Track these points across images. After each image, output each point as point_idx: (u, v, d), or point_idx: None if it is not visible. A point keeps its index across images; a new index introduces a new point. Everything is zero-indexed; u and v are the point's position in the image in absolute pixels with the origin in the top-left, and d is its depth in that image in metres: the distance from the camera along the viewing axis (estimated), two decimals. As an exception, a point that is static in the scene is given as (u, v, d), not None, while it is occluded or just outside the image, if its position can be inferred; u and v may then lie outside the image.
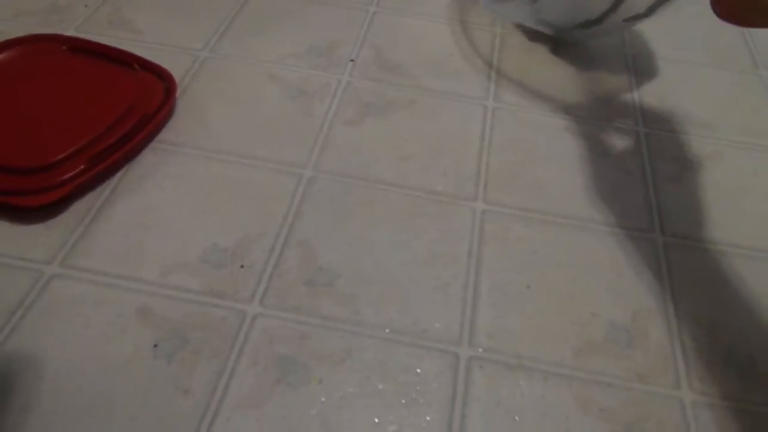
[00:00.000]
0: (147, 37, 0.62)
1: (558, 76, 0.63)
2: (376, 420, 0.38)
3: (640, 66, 0.66)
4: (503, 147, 0.55)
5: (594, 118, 0.59)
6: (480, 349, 0.41)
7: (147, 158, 0.51)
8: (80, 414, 0.37)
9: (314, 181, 0.51)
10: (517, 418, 0.39)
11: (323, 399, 0.39)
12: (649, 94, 0.63)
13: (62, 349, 0.39)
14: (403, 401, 0.39)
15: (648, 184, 0.54)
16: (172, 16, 0.65)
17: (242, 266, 0.44)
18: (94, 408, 0.37)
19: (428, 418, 0.38)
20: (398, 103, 0.58)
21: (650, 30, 0.69)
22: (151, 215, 0.47)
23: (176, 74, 0.57)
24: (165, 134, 0.53)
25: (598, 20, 0.60)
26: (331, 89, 0.59)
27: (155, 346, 0.40)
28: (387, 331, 0.42)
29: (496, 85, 0.61)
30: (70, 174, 0.46)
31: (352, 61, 0.62)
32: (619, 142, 0.57)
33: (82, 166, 0.47)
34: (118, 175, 0.50)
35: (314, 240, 0.47)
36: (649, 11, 0.58)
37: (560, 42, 0.66)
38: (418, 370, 0.40)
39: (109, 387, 0.38)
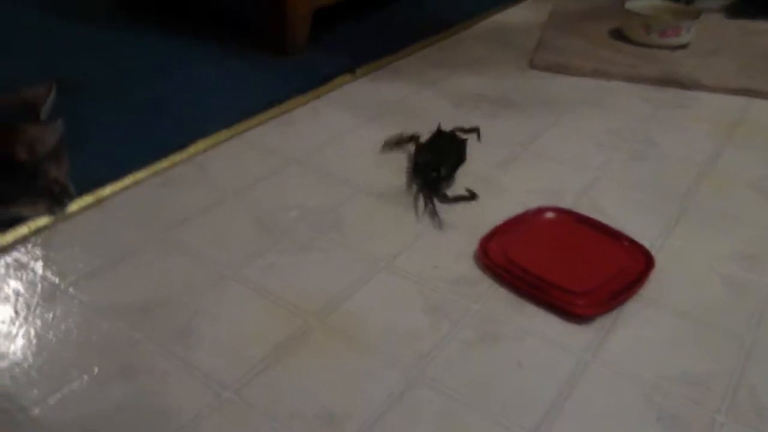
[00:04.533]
0: (617, 223, 0.93)
1: None
2: None
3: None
4: None
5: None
6: None
7: (631, 305, 0.80)
8: None
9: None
10: None
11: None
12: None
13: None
14: None
15: None
16: (634, 210, 0.97)
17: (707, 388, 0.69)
18: None
19: None
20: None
21: None
22: (642, 343, 0.75)
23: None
24: (644, 291, 0.82)
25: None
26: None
27: (658, 419, 0.65)
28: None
29: None
30: (601, 300, 0.77)
31: None
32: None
33: (605, 298, 0.77)
34: (616, 310, 0.79)
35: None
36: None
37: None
38: None
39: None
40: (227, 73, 1.38)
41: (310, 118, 1.21)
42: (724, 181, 1.06)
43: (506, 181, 1.05)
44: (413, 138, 1.11)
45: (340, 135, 1.16)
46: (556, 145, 1.15)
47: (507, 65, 1.46)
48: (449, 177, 1.03)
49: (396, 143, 1.12)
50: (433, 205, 0.96)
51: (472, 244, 0.88)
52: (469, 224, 0.92)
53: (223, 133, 1.12)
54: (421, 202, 0.97)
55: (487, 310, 0.79)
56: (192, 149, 1.07)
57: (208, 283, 0.82)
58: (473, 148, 1.12)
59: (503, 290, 0.82)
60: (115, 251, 0.86)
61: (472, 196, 0.99)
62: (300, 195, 0.99)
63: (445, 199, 0.98)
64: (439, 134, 1.13)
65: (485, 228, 0.90)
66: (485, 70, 1.43)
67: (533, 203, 0.96)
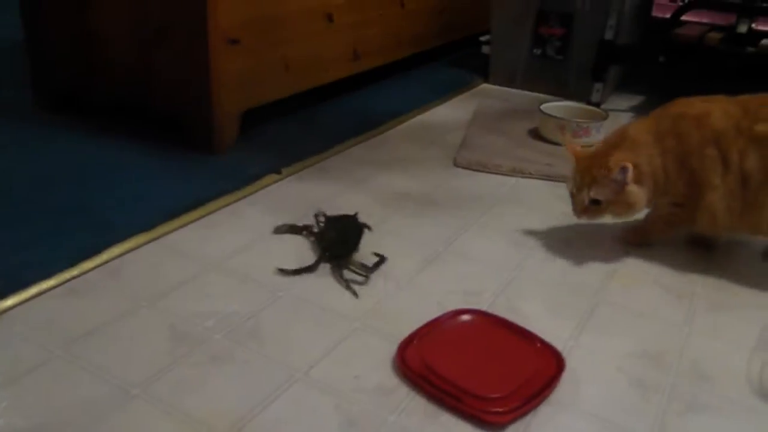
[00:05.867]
0: (532, 323, 0.95)
1: None
2: None
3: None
4: None
5: None
6: None
7: (544, 409, 0.80)
8: None
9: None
10: None
11: None
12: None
13: None
14: None
15: None
16: (548, 309, 0.99)
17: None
18: None
19: None
20: None
21: None
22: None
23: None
24: (555, 394, 0.82)
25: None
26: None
27: None
28: None
29: None
30: (514, 406, 0.77)
31: None
32: None
33: (518, 404, 0.77)
34: (529, 415, 0.79)
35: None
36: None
37: None
38: None
39: None
40: (152, 173, 1.37)
41: (232, 220, 1.21)
42: (632, 278, 1.10)
43: (427, 282, 1.06)
44: (306, 228, 1.17)
45: (262, 237, 1.16)
46: (476, 245, 1.18)
47: (432, 163, 1.52)
48: (355, 249, 1.11)
49: (289, 230, 1.17)
50: (346, 280, 1.03)
51: (392, 349, 0.87)
52: (390, 327, 0.92)
53: (141, 237, 1.10)
54: (337, 277, 1.05)
55: (404, 421, 0.78)
56: (106, 255, 1.04)
57: (112, 403, 0.77)
58: (397, 249, 1.13)
59: (420, 398, 0.81)
60: (11, 369, 0.81)
61: (381, 259, 1.09)
62: (218, 302, 0.97)
63: (366, 269, 1.06)
64: (329, 219, 1.20)
65: (405, 330, 0.90)
66: (411, 169, 1.48)
67: (453, 305, 0.97)
